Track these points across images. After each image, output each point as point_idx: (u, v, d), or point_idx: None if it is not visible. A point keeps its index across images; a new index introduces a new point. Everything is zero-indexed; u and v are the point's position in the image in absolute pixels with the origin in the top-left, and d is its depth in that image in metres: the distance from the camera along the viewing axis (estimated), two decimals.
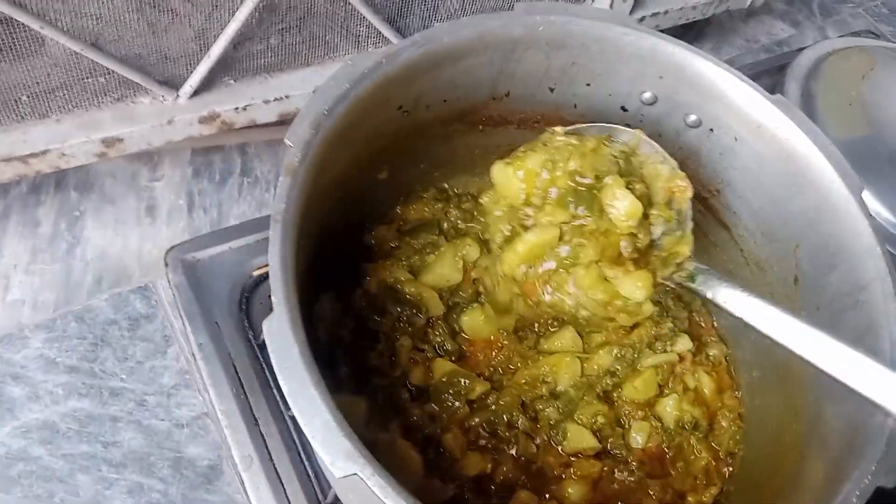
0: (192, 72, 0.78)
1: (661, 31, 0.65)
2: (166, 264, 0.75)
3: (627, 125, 0.69)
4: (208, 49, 0.77)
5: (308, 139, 0.51)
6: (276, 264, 0.47)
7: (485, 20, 0.60)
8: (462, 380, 0.67)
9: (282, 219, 0.48)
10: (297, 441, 0.70)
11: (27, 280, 0.82)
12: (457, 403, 0.66)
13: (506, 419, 0.67)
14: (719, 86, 0.62)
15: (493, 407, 0.67)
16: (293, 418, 0.71)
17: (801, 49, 1.13)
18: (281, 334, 0.45)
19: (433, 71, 0.60)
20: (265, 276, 0.77)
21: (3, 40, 0.68)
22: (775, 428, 0.65)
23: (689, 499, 0.67)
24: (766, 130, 0.62)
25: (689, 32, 1.20)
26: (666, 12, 1.02)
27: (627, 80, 0.65)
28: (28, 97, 0.73)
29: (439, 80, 0.62)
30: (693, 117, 0.65)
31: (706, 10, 1.07)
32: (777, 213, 0.64)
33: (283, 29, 0.80)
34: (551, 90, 0.67)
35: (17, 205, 0.87)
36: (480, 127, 0.70)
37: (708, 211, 0.71)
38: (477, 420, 0.66)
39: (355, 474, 0.43)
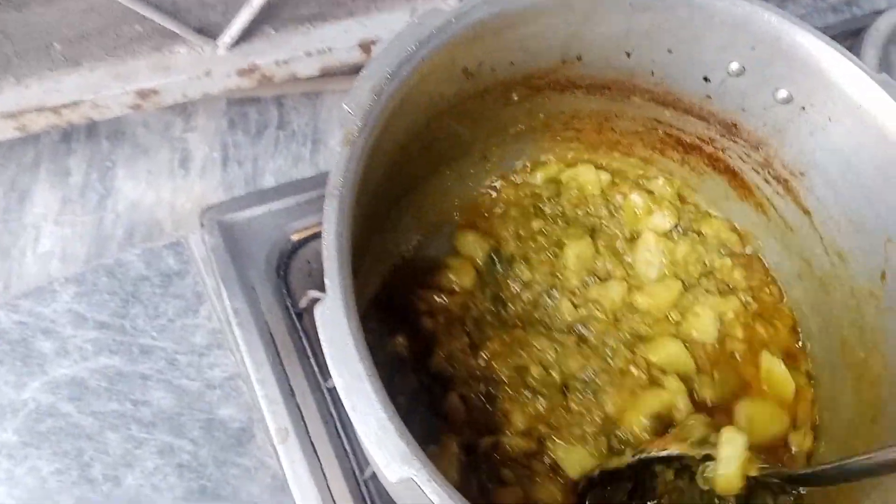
0: (230, 20, 0.73)
1: None
2: (202, 225, 0.71)
3: (708, 96, 0.63)
4: None
5: (369, 105, 0.47)
6: (331, 244, 0.43)
7: None
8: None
9: (339, 193, 0.44)
10: (333, 414, 0.68)
11: (57, 231, 0.79)
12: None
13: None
14: (818, 61, 0.56)
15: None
16: (331, 390, 0.68)
17: (879, 12, 1.04)
18: (335, 323, 0.41)
19: (504, 31, 0.55)
20: (304, 241, 0.73)
21: None
22: None
23: None
24: (866, 112, 0.56)
25: None
26: None
27: (714, 49, 0.59)
28: (61, 44, 0.69)
29: (509, 42, 0.56)
30: (784, 93, 0.60)
31: None
32: (869, 203, 0.58)
33: None
34: (628, 55, 0.61)
35: (48, 153, 0.83)
36: (545, 92, 0.65)
37: (788, 193, 0.65)
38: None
39: (411, 479, 0.40)
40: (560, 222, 0.74)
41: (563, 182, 0.76)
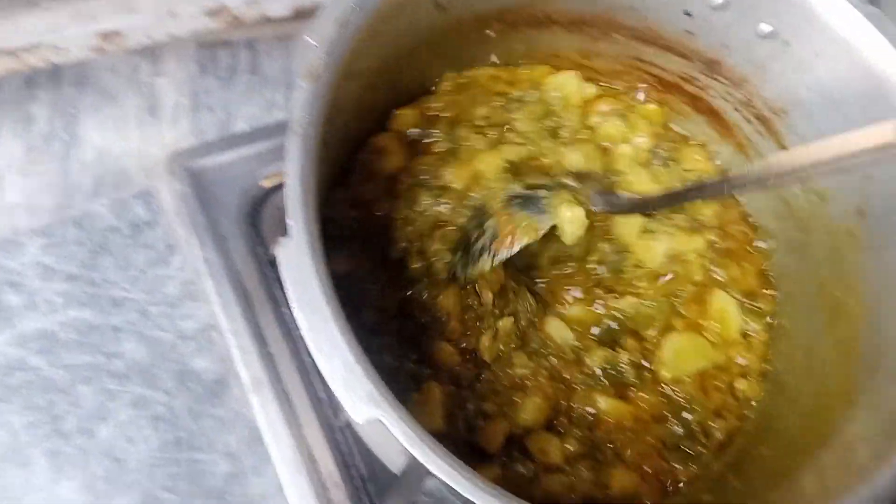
0: None
1: None
2: (171, 172, 0.69)
3: (689, 32, 0.61)
4: None
5: (334, 38, 0.44)
6: (294, 183, 0.41)
7: None
8: None
9: (302, 131, 0.42)
10: (307, 363, 0.67)
11: (22, 182, 0.76)
12: None
13: None
14: None
15: None
16: (303, 338, 0.67)
17: None
18: (298, 262, 0.40)
19: None
20: (277, 188, 0.71)
21: None
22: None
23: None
24: (853, 47, 0.54)
25: None
26: None
27: None
28: None
29: None
30: (767, 27, 0.58)
31: None
32: None
33: None
34: None
35: (10, 100, 0.79)
36: (522, 28, 0.62)
37: (768, 132, 0.64)
38: None
39: (378, 419, 0.39)
40: (512, 105, 0.67)
41: (543, 84, 0.68)
